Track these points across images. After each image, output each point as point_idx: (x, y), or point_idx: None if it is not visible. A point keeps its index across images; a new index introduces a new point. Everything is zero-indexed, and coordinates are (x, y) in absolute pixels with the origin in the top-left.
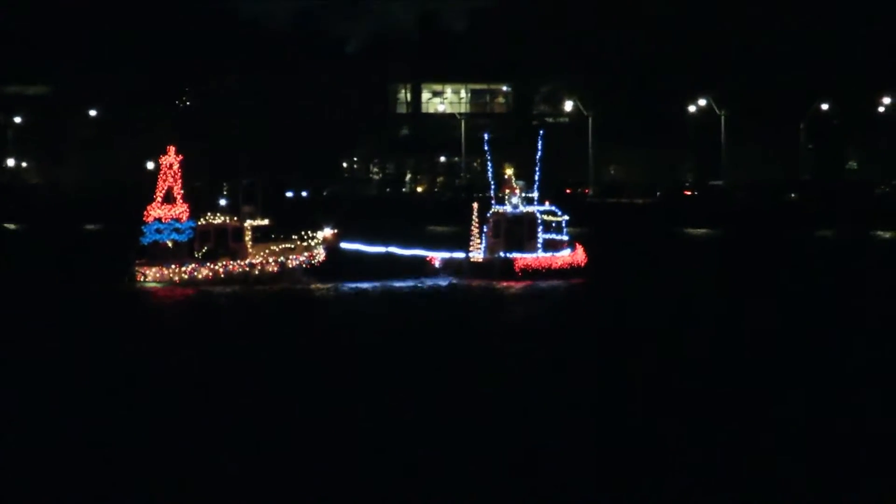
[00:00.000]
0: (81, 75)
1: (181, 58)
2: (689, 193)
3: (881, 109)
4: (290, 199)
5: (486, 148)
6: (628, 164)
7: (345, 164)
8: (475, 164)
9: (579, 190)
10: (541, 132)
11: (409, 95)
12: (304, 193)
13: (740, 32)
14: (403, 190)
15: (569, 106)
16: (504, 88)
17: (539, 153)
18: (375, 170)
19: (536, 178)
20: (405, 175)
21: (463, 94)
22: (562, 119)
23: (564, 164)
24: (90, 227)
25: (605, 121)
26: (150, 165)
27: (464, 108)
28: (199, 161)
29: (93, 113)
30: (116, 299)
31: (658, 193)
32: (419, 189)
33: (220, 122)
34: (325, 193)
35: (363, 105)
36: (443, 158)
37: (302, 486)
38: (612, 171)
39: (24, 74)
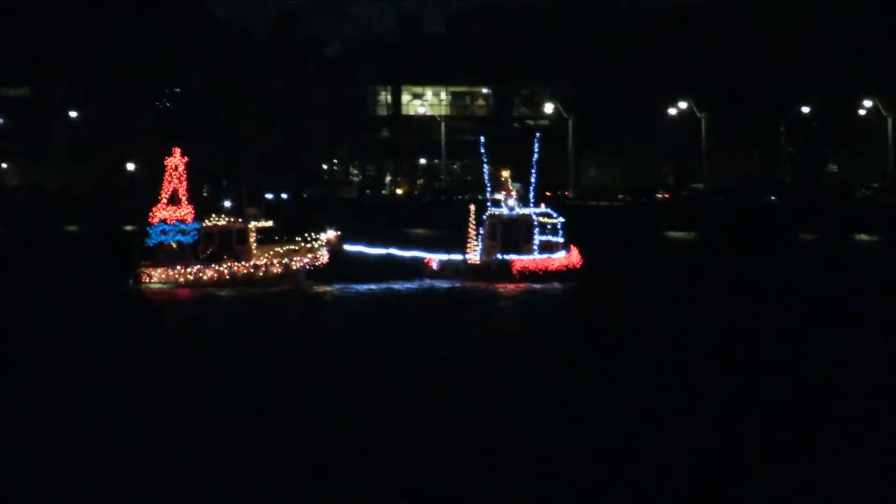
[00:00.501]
0: (63, 77)
1: (162, 60)
2: (658, 196)
3: (861, 112)
4: (269, 200)
5: (481, 150)
6: (609, 167)
7: (325, 166)
8: (455, 167)
9: (559, 192)
10: (537, 135)
11: (389, 97)
12: (283, 195)
13: (722, 35)
14: (383, 192)
15: (549, 108)
16: (484, 91)
17: (535, 155)
18: (355, 172)
19: (533, 180)
20: (385, 177)
21: (443, 96)
22: (542, 121)
23: (545, 166)
24: (71, 228)
25: (585, 123)
26: (131, 167)
27: (444, 111)
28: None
29: (74, 114)
30: (122, 300)
31: (620, 196)
32: (399, 191)
33: (200, 124)
34: (304, 195)
35: (343, 107)
36: (423, 161)
37: (299, 488)
38: (593, 174)
39: (4, 76)
